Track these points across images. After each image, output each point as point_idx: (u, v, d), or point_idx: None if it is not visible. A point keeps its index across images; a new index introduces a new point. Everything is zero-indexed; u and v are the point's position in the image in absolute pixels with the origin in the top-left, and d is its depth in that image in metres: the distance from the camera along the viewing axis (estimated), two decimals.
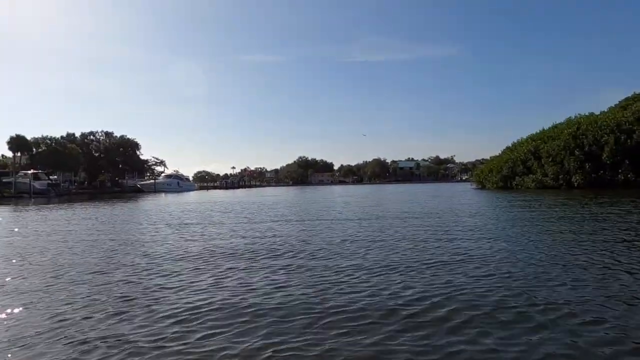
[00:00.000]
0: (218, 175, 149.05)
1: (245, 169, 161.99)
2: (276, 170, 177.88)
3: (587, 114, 37.28)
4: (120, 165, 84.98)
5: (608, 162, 31.84)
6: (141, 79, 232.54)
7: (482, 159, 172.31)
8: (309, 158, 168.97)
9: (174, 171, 78.23)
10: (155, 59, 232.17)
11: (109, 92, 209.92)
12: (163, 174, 77.58)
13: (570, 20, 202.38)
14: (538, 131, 41.37)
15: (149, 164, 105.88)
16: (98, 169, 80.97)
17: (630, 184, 30.34)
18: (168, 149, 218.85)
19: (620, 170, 31.34)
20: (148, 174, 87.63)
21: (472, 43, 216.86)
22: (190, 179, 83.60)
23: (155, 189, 64.00)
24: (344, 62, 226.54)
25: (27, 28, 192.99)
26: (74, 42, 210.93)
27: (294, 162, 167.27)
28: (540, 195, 26.90)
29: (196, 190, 76.88)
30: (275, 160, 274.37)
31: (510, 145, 44.51)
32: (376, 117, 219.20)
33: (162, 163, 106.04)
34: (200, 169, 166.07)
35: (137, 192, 61.61)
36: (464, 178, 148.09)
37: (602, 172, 32.14)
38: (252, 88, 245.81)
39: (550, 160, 34.99)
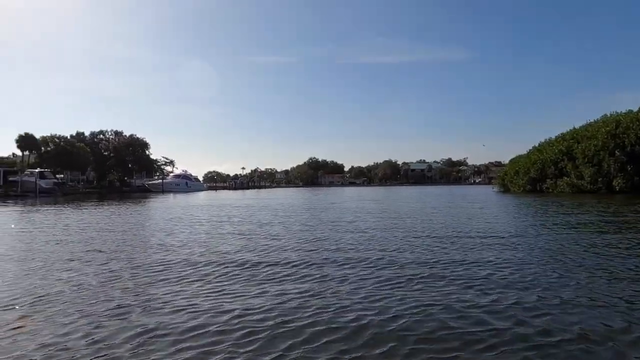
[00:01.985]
0: (228, 175, 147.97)
1: (255, 170, 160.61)
2: (286, 171, 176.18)
3: (624, 111, 34.30)
4: (130, 165, 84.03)
5: None
6: (153, 79, 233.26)
7: (495, 162, 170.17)
8: (319, 159, 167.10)
9: (183, 171, 76.41)
10: (167, 59, 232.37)
11: (121, 92, 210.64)
12: (171, 174, 76.04)
13: (577, 23, 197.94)
14: (568, 130, 38.41)
15: (158, 163, 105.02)
16: (107, 169, 79.88)
17: None
18: (179, 149, 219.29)
19: None
20: (157, 174, 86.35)
21: (482, 45, 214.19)
22: (200, 178, 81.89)
23: (163, 189, 62.28)
24: (353, 64, 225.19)
25: (42, 27, 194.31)
26: (84, 41, 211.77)
27: (304, 163, 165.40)
28: (580, 200, 24.25)
29: (205, 190, 75.23)
30: (286, 161, 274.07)
31: (537, 145, 41.73)
32: (386, 118, 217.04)
33: (171, 163, 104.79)
34: (211, 170, 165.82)
35: (144, 192, 60.09)
36: (477, 181, 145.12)
37: None
38: (263, 89, 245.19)
39: (586, 161, 32.24)
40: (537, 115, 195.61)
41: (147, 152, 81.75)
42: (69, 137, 68.04)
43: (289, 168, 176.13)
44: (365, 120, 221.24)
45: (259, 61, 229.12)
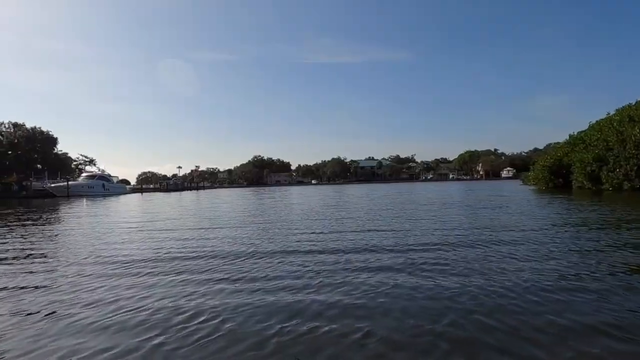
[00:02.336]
0: (165, 176, 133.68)
1: (195, 169, 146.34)
2: (229, 171, 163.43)
3: None
4: (39, 165, 69.22)
5: None
6: (88, 75, 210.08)
7: (442, 158, 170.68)
8: (265, 157, 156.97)
9: (100, 170, 63.11)
10: (104, 53, 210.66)
11: (51, 88, 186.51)
12: (83, 174, 62.24)
13: (515, 27, 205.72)
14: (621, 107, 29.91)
15: (76, 162, 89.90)
16: (4, 169, 64.65)
17: None
18: (114, 150, 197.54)
19: None
20: (74, 175, 72.17)
21: (424, 47, 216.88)
22: (119, 178, 68.62)
23: (69, 193, 49.59)
24: (300, 63, 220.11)
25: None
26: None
27: (249, 161, 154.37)
28: None
29: (127, 193, 62.70)
30: (230, 160, 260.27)
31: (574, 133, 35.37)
32: (333, 117, 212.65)
33: (91, 162, 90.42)
34: (147, 170, 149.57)
35: (46, 197, 47.37)
36: (429, 177, 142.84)
37: None
38: (206, 87, 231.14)
39: None
40: (474, 114, 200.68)
41: (55, 148, 67.44)
42: None
43: (232, 167, 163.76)
44: (312, 118, 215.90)
45: (206, 58, 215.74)
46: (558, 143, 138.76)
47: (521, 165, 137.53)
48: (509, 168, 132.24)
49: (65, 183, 51.78)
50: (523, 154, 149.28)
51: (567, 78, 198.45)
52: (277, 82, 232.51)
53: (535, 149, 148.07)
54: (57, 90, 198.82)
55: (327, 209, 19.33)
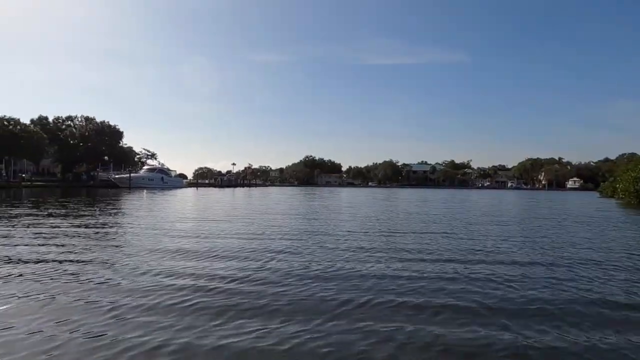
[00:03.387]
0: (220, 172, 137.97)
1: (248, 167, 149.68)
2: (281, 169, 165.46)
3: None
4: (106, 157, 73.81)
5: None
6: (151, 73, 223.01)
7: (500, 165, 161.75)
8: (316, 157, 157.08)
9: (159, 164, 65.81)
10: (165, 54, 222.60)
11: (119, 86, 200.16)
12: (145, 167, 65.22)
13: (572, 28, 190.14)
14: None
15: (139, 156, 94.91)
16: (76, 159, 69.54)
17: None
18: (174, 145, 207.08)
19: None
20: (136, 167, 76.23)
21: (481, 49, 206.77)
22: (177, 172, 71.17)
23: (131, 185, 51.96)
24: (352, 64, 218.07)
25: (34, 19, 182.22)
26: (73, 33, 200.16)
27: (300, 161, 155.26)
28: None
29: (184, 187, 64.88)
30: (282, 159, 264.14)
31: None
32: (384, 119, 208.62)
33: (153, 156, 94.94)
34: (202, 166, 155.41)
35: (110, 188, 50.04)
36: (485, 184, 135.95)
37: None
38: (261, 87, 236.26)
39: None
40: (537, 119, 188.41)
41: (121, 142, 71.49)
42: (24, 123, 57.36)
43: (284, 166, 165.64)
44: (364, 120, 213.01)
45: (258, 59, 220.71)
46: (634, 154, 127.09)
47: (589, 176, 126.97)
48: (575, 178, 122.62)
49: (128, 175, 54.37)
50: (592, 163, 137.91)
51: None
52: (330, 83, 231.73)
53: (607, 159, 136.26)
54: (122, 87, 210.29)
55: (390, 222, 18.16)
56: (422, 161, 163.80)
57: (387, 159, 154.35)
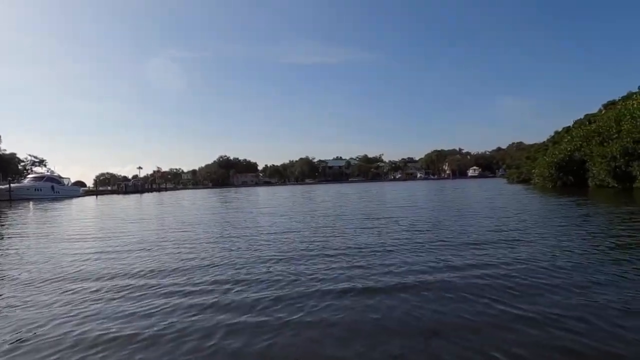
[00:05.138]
0: (125, 177, 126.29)
1: (157, 170, 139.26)
2: (194, 171, 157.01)
3: None
4: None
5: None
6: (53, 71, 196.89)
7: (408, 158, 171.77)
8: (231, 157, 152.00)
9: (48, 171, 57.26)
10: (61, 50, 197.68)
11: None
12: (29, 176, 56.32)
13: (479, 29, 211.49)
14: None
15: (24, 163, 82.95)
16: None
17: None
18: (71, 149, 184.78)
19: None
20: (20, 176, 65.81)
21: (392, 49, 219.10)
22: (71, 180, 62.72)
23: (12, 197, 44.37)
24: (271, 63, 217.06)
25: None
26: None
27: (214, 161, 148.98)
28: None
29: (81, 196, 57.46)
30: (194, 161, 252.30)
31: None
32: (299, 117, 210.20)
33: (41, 162, 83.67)
34: (105, 171, 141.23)
35: None
36: (397, 177, 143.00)
37: None
38: (173, 85, 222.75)
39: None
40: (441, 113, 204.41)
41: None
42: None
43: (197, 168, 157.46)
44: (281, 118, 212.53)
45: (172, 55, 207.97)
46: (521, 142, 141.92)
47: (486, 164, 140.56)
48: (474, 167, 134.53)
49: (7, 186, 46.39)
50: (487, 153, 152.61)
51: (526, 81, 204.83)
52: (246, 82, 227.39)
53: (499, 148, 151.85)
54: (8, 85, 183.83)
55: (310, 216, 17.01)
56: (338, 157, 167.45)
57: (303, 156, 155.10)
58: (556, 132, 34.38)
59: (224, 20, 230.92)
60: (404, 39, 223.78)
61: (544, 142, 38.73)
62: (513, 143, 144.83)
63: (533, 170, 36.82)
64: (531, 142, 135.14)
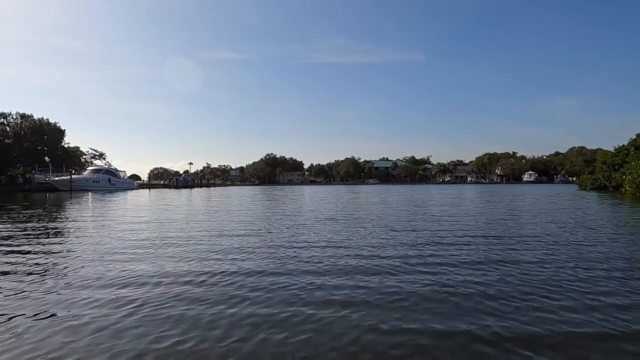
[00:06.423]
0: (177, 172, 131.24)
1: (206, 166, 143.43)
2: (242, 168, 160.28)
3: None
4: (46, 157, 66.73)
5: None
6: (103, 73, 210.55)
7: (458, 160, 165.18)
8: (277, 156, 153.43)
9: (107, 164, 60.08)
10: (116, 53, 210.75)
11: (65, 86, 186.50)
12: (89, 168, 59.31)
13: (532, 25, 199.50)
14: None
15: (85, 156, 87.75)
16: (10, 161, 62.27)
17: None
18: (129, 146, 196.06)
19: None
20: (82, 168, 69.69)
21: (438, 48, 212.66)
22: (127, 174, 65.36)
23: (72, 187, 46.70)
24: (310, 63, 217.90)
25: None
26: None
27: (261, 159, 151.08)
28: None
29: (135, 189, 59.72)
30: (242, 158, 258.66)
31: None
32: (346, 116, 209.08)
33: (101, 156, 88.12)
34: (158, 166, 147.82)
35: (49, 191, 44.64)
36: (446, 179, 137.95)
37: None
38: (219, 85, 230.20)
39: None
40: (490, 116, 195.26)
41: (63, 141, 64.89)
42: None
43: (244, 165, 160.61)
44: (326, 117, 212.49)
45: (213, 57, 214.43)
46: (583, 147, 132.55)
47: (542, 169, 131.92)
48: (530, 172, 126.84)
49: (69, 176, 48.91)
50: (544, 157, 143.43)
51: (575, 82, 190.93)
52: (290, 81, 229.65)
53: (557, 153, 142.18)
54: (74, 87, 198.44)
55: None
56: (384, 157, 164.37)
57: (349, 156, 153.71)
58: (638, 135, 30.62)
59: (275, 20, 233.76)
60: (453, 36, 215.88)
61: (624, 146, 34.24)
62: (573, 147, 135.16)
63: (624, 177, 32.47)
64: (591, 146, 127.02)
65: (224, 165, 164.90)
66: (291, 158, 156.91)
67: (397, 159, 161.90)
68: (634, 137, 31.04)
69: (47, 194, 40.21)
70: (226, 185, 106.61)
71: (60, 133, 64.01)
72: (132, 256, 7.36)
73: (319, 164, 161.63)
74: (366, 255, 7.27)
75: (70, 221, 14.19)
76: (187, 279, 5.63)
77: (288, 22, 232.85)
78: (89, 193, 43.28)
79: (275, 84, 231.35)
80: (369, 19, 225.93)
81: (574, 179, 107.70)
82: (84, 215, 16.76)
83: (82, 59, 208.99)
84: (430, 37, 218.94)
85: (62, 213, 17.91)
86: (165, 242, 9.07)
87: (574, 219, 13.42)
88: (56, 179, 49.28)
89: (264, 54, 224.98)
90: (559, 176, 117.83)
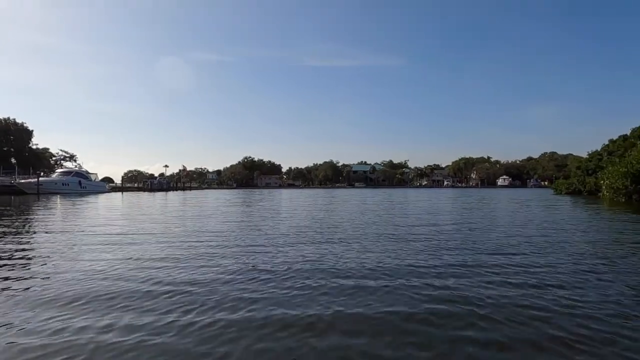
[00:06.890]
0: (152, 175, 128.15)
1: (182, 169, 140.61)
2: (219, 172, 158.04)
3: None
4: (13, 159, 63.86)
5: None
6: (80, 72, 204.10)
7: (434, 165, 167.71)
8: (256, 159, 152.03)
9: (77, 166, 57.93)
10: (93, 51, 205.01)
11: (39, 85, 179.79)
12: (58, 170, 57.03)
13: (507, 31, 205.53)
14: None
15: (55, 158, 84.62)
16: None
17: None
18: (103, 148, 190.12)
19: None
20: (50, 171, 66.94)
21: (419, 54, 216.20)
22: (98, 176, 63.02)
23: (40, 190, 44.70)
24: (293, 66, 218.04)
25: None
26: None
27: (239, 162, 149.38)
28: None
29: (107, 192, 57.71)
30: (219, 161, 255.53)
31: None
32: (325, 120, 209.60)
33: (72, 158, 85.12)
34: (132, 169, 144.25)
35: (14, 194, 42.53)
36: (423, 183, 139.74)
37: None
38: (200, 87, 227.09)
39: None
40: (468, 121, 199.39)
41: (31, 142, 62.26)
42: None
43: (221, 168, 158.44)
44: (305, 120, 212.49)
45: (199, 58, 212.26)
46: (555, 152, 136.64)
47: (516, 173, 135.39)
48: (504, 176, 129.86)
49: (36, 179, 46.84)
50: (517, 162, 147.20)
51: (554, 89, 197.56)
52: (270, 84, 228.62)
53: (530, 158, 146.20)
54: (49, 86, 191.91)
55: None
56: (362, 161, 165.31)
57: (327, 160, 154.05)
58: (611, 141, 31.49)
59: (258, 23, 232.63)
60: (434, 42, 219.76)
61: (597, 151, 34.93)
62: (545, 153, 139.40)
63: (601, 182, 32.28)
64: (562, 151, 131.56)
65: (201, 168, 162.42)
66: (269, 161, 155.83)
67: (375, 163, 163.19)
68: (607, 142, 32.06)
69: (12, 197, 38.33)
70: (202, 189, 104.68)
71: (28, 133, 61.44)
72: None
73: (297, 168, 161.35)
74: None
75: (24, 228, 13.33)
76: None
77: (271, 25, 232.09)
78: (58, 196, 41.51)
79: (254, 85, 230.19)
80: (351, 24, 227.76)
81: (546, 183, 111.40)
82: (46, 221, 15.85)
83: (57, 57, 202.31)
84: (411, 43, 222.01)
85: (23, 217, 16.89)
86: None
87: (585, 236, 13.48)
88: (22, 181, 47.08)
89: (246, 56, 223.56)
90: (532, 180, 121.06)
